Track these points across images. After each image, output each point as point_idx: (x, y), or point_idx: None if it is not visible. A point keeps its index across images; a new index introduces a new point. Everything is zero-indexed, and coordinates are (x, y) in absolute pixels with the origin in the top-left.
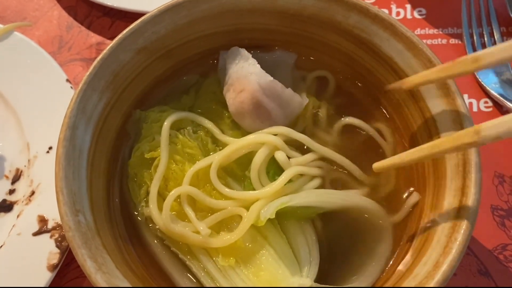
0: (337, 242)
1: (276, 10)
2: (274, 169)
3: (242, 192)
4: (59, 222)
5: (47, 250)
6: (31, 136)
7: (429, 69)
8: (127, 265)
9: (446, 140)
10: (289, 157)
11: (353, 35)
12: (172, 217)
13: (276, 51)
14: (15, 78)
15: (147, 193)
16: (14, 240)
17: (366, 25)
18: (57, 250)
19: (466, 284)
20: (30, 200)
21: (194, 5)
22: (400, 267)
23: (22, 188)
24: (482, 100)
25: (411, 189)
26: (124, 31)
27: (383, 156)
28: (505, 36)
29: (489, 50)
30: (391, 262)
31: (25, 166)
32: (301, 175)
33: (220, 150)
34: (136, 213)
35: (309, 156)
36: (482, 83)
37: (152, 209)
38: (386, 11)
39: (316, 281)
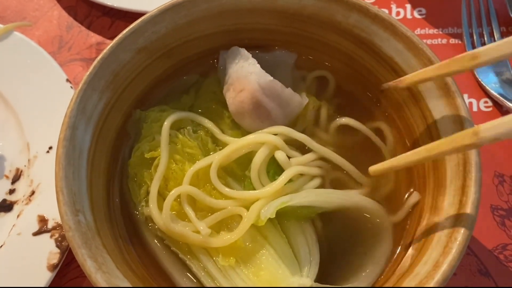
0: (337, 242)
1: (276, 10)
2: (274, 168)
3: (242, 192)
4: (59, 222)
5: (47, 250)
6: (31, 136)
7: (427, 67)
8: (127, 265)
9: (444, 141)
10: (289, 157)
11: (353, 35)
12: (172, 216)
13: (276, 51)
14: (15, 78)
15: (147, 192)
16: (14, 240)
17: (366, 25)
18: (57, 250)
19: (466, 284)
20: (30, 200)
21: (194, 5)
22: (400, 266)
23: (22, 188)
24: (482, 100)
25: (411, 189)
26: (124, 31)
27: (383, 156)
28: (505, 36)
29: (487, 47)
30: (391, 262)
31: (25, 166)
32: (301, 174)
33: (220, 149)
34: (136, 212)
35: (309, 156)
36: (482, 82)
37: (152, 208)
38: (386, 11)
39: (316, 281)
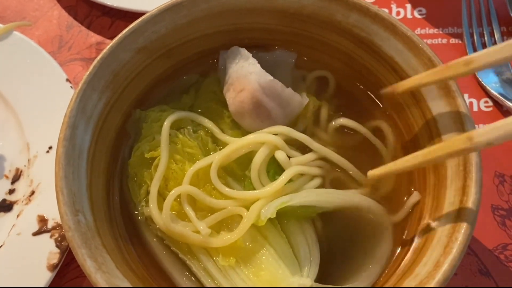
0: (337, 242)
1: (275, 10)
2: (274, 168)
3: (242, 192)
4: (59, 222)
5: (47, 250)
6: (31, 135)
7: (422, 72)
8: (127, 265)
9: (439, 147)
10: (289, 157)
11: (353, 35)
12: (172, 216)
13: (276, 51)
14: (15, 78)
15: (147, 192)
16: (14, 240)
17: (366, 25)
18: (57, 250)
19: (467, 284)
20: (30, 200)
21: (194, 5)
22: (401, 267)
23: (22, 188)
24: (482, 100)
25: (412, 189)
26: (124, 31)
27: (383, 156)
28: (505, 35)
29: (482, 52)
30: (391, 262)
31: (25, 166)
32: (302, 174)
33: (220, 149)
34: (136, 212)
35: (309, 156)
36: (483, 82)
37: (152, 208)
38: (386, 10)
39: (316, 281)
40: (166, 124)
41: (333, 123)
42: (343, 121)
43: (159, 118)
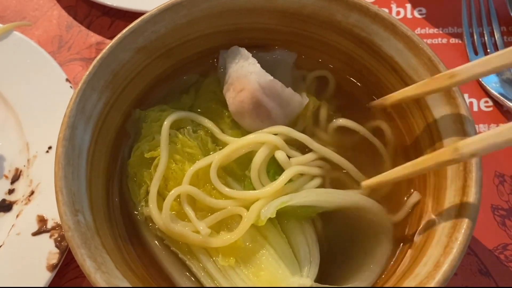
0: (337, 242)
1: (275, 9)
2: (274, 168)
3: (242, 192)
4: (59, 222)
5: (46, 250)
6: (31, 135)
7: (409, 86)
8: (127, 265)
9: (427, 158)
10: (289, 157)
11: (353, 35)
12: (172, 216)
13: (276, 51)
14: (15, 77)
15: (147, 192)
16: (13, 240)
17: (366, 25)
18: (57, 250)
19: (467, 284)
20: (29, 200)
21: (194, 5)
22: (401, 267)
23: (21, 188)
24: (483, 100)
25: (412, 189)
26: (124, 31)
27: (382, 156)
28: (505, 35)
29: (464, 66)
30: (391, 262)
31: (24, 166)
32: (301, 174)
33: (220, 149)
34: (135, 212)
35: (309, 156)
36: (483, 82)
37: (152, 208)
38: (386, 10)
39: (316, 281)
40: (166, 124)
41: (333, 123)
42: (342, 121)
43: (158, 118)
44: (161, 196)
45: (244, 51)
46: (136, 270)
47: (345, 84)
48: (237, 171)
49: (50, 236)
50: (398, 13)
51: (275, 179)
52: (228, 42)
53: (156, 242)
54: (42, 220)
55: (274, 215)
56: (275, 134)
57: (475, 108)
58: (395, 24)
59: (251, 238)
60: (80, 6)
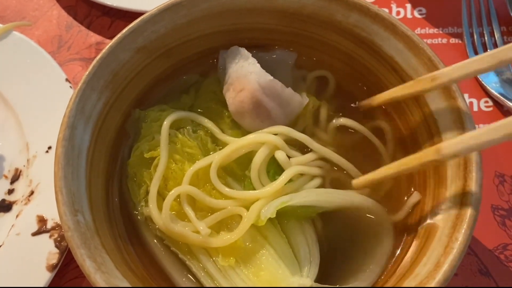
0: (337, 242)
1: (275, 9)
2: (274, 168)
3: (242, 192)
4: (58, 222)
5: (46, 250)
6: (31, 135)
7: (395, 87)
8: (127, 265)
9: (412, 158)
10: (289, 157)
11: (353, 35)
12: (171, 216)
13: (276, 51)
14: (15, 77)
15: (147, 192)
16: (13, 240)
17: (366, 25)
18: (56, 250)
19: (467, 284)
20: (29, 200)
21: (194, 4)
22: (401, 267)
23: (21, 188)
24: (483, 100)
25: (412, 189)
26: (124, 30)
27: (382, 155)
28: (505, 35)
29: (446, 69)
30: (391, 262)
31: (24, 166)
32: (302, 174)
33: (220, 149)
34: (135, 212)
35: (309, 156)
36: (483, 82)
37: (151, 208)
38: (386, 10)
39: (316, 281)
40: (166, 123)
41: (333, 122)
42: (343, 120)
43: (158, 117)
44: (161, 196)
45: (244, 51)
46: (136, 270)
47: (345, 84)
48: (237, 171)
49: (50, 236)
50: (398, 13)
51: (275, 179)
52: (228, 42)
53: (156, 242)
54: (41, 220)
55: (274, 215)
56: (275, 134)
57: (475, 108)
58: (395, 24)
59: (251, 238)
60: (80, 6)
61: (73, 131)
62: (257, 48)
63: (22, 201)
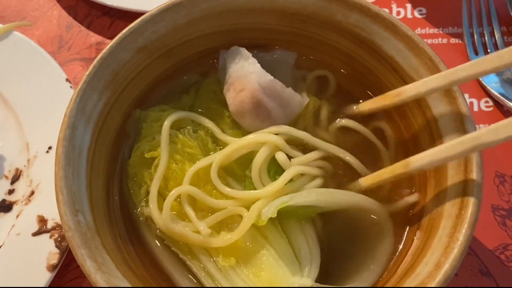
0: (338, 242)
1: (276, 9)
2: (275, 168)
3: (243, 192)
4: (59, 222)
5: (46, 250)
6: (31, 135)
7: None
8: (127, 265)
9: (386, 171)
10: (290, 157)
11: (354, 35)
12: (172, 216)
13: (276, 51)
14: (15, 77)
15: (147, 192)
16: (13, 240)
17: (366, 25)
18: (57, 250)
19: (467, 284)
20: (29, 200)
21: (194, 5)
22: (401, 267)
23: (21, 188)
24: (483, 100)
25: (412, 189)
26: (124, 31)
27: (383, 155)
28: (505, 35)
29: (410, 86)
30: (392, 262)
31: (24, 166)
32: (302, 174)
33: (220, 149)
34: (136, 212)
35: (310, 156)
36: (483, 82)
37: (152, 208)
38: (386, 10)
39: (316, 281)
40: (166, 124)
41: (335, 123)
42: (345, 121)
43: (159, 118)
44: (162, 196)
45: (244, 51)
46: (136, 270)
47: (345, 84)
48: (237, 171)
49: (50, 236)
50: (398, 13)
51: (275, 179)
52: (228, 42)
53: (156, 242)
54: (42, 220)
55: (275, 215)
56: (276, 134)
57: (476, 108)
58: (395, 24)
59: (251, 238)
60: (80, 6)
61: (74, 131)
62: (257, 48)
63: (22, 201)
